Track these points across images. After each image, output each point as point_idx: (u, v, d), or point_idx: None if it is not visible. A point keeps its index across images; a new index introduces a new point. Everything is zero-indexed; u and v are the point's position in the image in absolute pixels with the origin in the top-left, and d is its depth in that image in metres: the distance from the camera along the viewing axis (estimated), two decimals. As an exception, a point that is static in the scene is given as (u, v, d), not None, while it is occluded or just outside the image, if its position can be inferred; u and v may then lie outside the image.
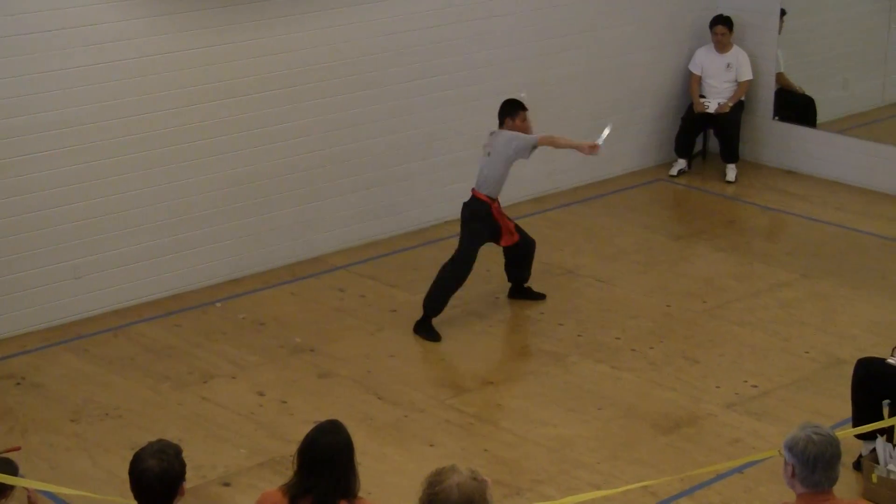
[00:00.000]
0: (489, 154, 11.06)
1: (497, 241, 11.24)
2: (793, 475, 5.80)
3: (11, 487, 7.08)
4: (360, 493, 6.14)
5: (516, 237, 11.26)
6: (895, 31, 15.41)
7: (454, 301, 11.59)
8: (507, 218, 11.29)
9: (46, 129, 10.79)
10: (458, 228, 11.60)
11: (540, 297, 11.67)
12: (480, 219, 11.08)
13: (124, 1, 10.98)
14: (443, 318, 11.31)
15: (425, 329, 10.99)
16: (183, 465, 5.77)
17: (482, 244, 11.18)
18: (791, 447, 5.80)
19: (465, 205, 11.18)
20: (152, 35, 11.18)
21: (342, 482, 6.02)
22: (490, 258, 12.51)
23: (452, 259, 11.13)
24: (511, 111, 11.19)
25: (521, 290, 11.72)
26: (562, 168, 14.14)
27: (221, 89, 11.66)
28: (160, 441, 5.81)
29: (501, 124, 11.18)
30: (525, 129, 11.13)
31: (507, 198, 13.53)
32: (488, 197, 11.05)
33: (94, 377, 10.37)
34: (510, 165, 11.06)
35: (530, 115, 11.27)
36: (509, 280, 11.72)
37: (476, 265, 12.30)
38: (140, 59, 11.15)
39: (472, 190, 11.15)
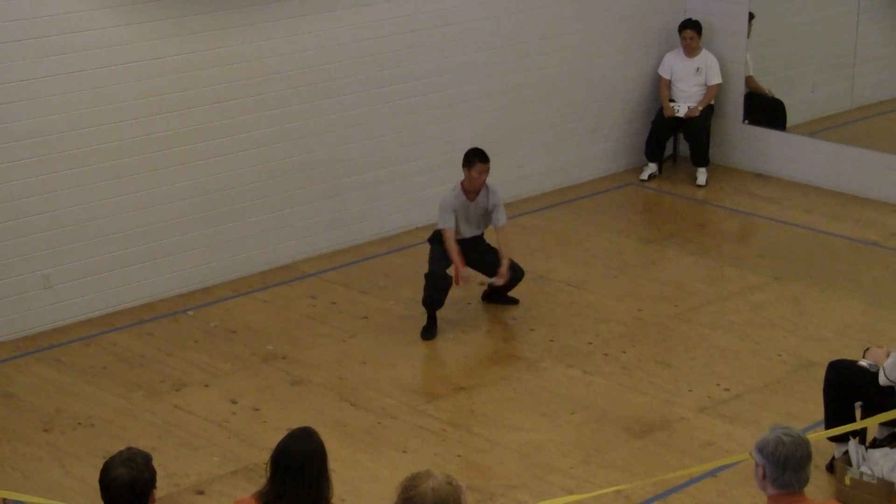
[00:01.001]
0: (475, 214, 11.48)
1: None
2: (763, 476, 5.82)
3: None
4: (334, 500, 6.13)
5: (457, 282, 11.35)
6: (863, 34, 15.48)
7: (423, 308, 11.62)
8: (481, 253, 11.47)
9: (14, 139, 10.75)
10: (428, 234, 11.61)
11: (513, 301, 11.66)
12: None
13: (88, 11, 10.95)
14: (414, 325, 11.31)
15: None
16: (153, 473, 5.75)
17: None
18: (761, 448, 5.81)
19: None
20: (118, 45, 11.14)
21: (315, 489, 6.01)
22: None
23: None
24: (467, 161, 11.30)
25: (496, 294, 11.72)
26: (532, 173, 14.15)
27: (190, 97, 11.64)
28: (129, 449, 5.79)
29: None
30: (478, 182, 11.19)
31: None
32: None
33: (65, 386, 10.33)
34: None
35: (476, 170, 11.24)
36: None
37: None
38: (107, 68, 11.11)
39: None
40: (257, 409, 9.98)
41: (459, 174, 13.60)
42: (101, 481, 5.69)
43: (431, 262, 11.25)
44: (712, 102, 14.85)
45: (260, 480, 6.29)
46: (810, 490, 5.91)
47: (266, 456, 6.20)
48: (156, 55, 11.36)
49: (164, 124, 11.52)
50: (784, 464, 5.73)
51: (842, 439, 8.92)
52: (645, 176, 14.91)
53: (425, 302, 11.18)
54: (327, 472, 6.07)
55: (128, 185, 11.43)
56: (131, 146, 11.38)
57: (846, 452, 8.86)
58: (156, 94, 11.43)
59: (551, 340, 11.03)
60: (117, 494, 5.65)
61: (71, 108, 10.98)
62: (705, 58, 14.75)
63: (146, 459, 5.75)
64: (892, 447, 8.90)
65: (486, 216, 11.35)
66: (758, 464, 5.86)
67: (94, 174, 11.22)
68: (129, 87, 11.26)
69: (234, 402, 10.09)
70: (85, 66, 10.99)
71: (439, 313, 11.34)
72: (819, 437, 8.72)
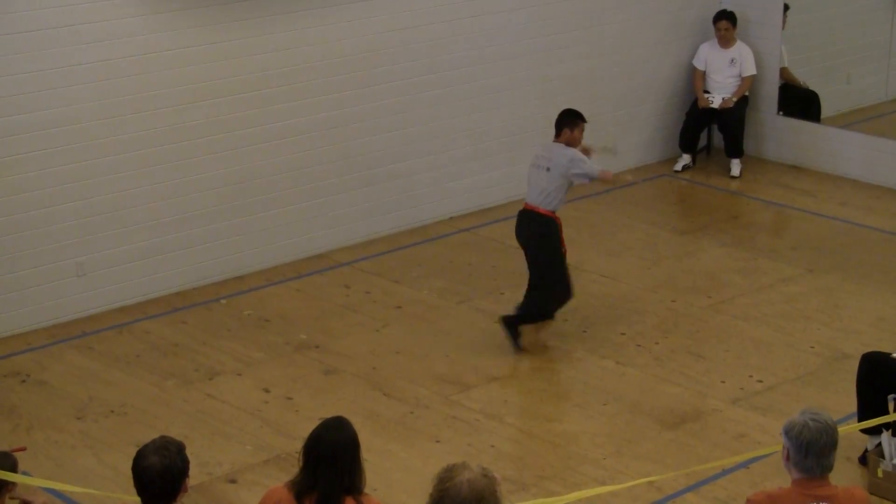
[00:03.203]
0: (548, 170, 10.51)
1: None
2: (787, 458, 5.84)
3: (11, 484, 7.07)
4: (366, 490, 6.14)
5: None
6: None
7: (459, 297, 11.61)
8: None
9: (47, 128, 10.79)
10: (461, 224, 11.58)
11: (517, 345, 10.76)
12: (557, 236, 10.59)
13: (122, 0, 11.00)
14: (447, 314, 11.32)
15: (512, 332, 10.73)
16: (186, 462, 5.77)
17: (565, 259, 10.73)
18: (787, 431, 5.85)
19: (530, 221, 10.64)
20: (151, 33, 11.18)
21: (347, 478, 6.01)
22: (496, 255, 12.53)
23: (541, 287, 10.69)
24: (570, 121, 10.68)
25: (513, 322, 10.81)
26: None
27: (223, 87, 11.66)
28: (162, 437, 5.81)
29: (558, 134, 10.69)
30: (579, 141, 10.67)
31: (511, 195, 13.61)
32: (552, 212, 10.58)
33: (98, 374, 10.37)
34: (568, 185, 10.64)
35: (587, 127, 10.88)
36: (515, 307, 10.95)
37: (481, 261, 12.33)
38: (140, 56, 11.15)
39: (531, 205, 10.63)
40: (290, 399, 10.00)
41: (492, 163, 13.65)
42: (133, 469, 5.72)
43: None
44: (747, 94, 14.80)
45: (292, 470, 6.30)
46: (843, 482, 5.89)
47: (299, 445, 6.21)
48: (188, 44, 11.39)
49: (196, 113, 11.55)
50: (807, 448, 5.75)
51: (874, 431, 8.89)
52: (679, 167, 14.87)
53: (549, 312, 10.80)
54: (360, 461, 6.07)
55: (161, 174, 11.47)
56: (164, 135, 11.41)
57: (879, 445, 8.83)
58: (189, 83, 11.46)
59: (584, 331, 11.02)
60: (150, 482, 5.67)
61: (104, 97, 11.02)
62: (740, 49, 14.70)
63: (179, 448, 5.77)
64: (925, 440, 8.87)
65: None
66: (784, 446, 5.89)
67: (127, 163, 11.26)
68: (162, 76, 11.30)
69: (266, 391, 10.11)
70: (117, 55, 11.03)
71: (472, 303, 11.34)
72: (852, 430, 8.70)
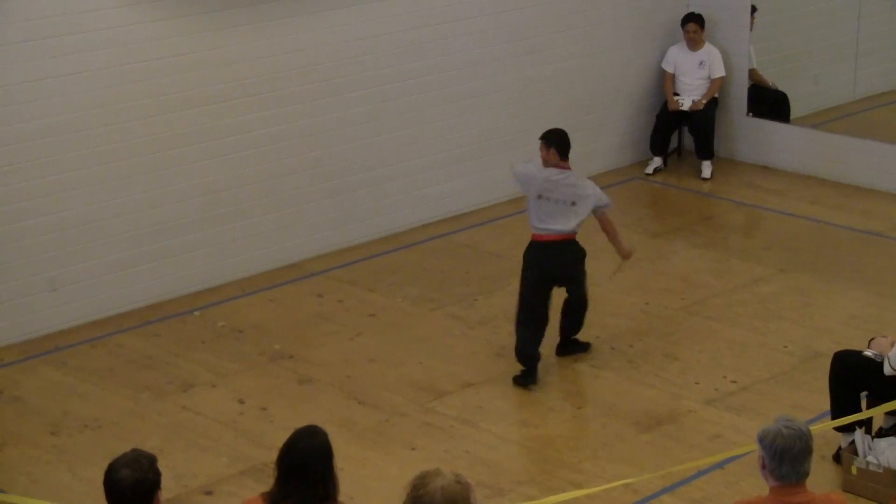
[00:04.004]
0: (574, 204, 10.26)
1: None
2: (763, 467, 5.85)
3: None
4: (342, 499, 6.14)
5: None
6: (865, 25, 15.48)
7: (433, 304, 11.62)
8: None
9: (19, 141, 10.76)
10: (434, 231, 11.58)
11: (584, 347, 10.81)
12: (580, 260, 10.46)
13: (91, 12, 10.95)
14: (421, 321, 11.32)
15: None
16: (158, 475, 5.76)
17: None
18: (762, 439, 5.85)
19: (565, 250, 10.33)
20: (121, 45, 11.15)
21: (320, 487, 6.01)
22: (469, 261, 12.54)
23: (577, 309, 10.64)
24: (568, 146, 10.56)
25: (567, 344, 10.80)
26: (537, 169, 14.14)
27: (194, 97, 11.65)
28: (134, 451, 5.80)
29: (565, 156, 10.48)
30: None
31: (484, 200, 13.65)
32: (573, 234, 10.36)
33: (72, 389, 10.34)
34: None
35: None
36: (560, 334, 10.78)
37: (455, 267, 12.35)
38: (110, 69, 11.13)
39: (557, 236, 10.27)
40: (265, 409, 9.99)
41: (465, 169, 13.66)
42: (105, 483, 5.71)
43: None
44: (716, 95, 14.85)
45: (268, 480, 6.30)
46: (817, 480, 5.95)
47: (274, 456, 6.20)
48: (158, 55, 11.37)
49: (168, 124, 11.54)
50: (781, 456, 5.75)
51: (848, 429, 8.93)
52: (650, 170, 14.91)
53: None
54: (333, 469, 6.07)
55: (133, 186, 11.45)
56: (136, 147, 11.39)
57: (852, 442, 8.87)
58: (159, 95, 11.44)
59: (558, 335, 11.03)
60: (122, 496, 5.66)
61: (75, 110, 11.00)
62: (708, 51, 14.75)
63: (151, 461, 5.76)
64: (898, 437, 8.92)
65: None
66: (759, 454, 5.89)
67: (99, 175, 11.24)
68: (133, 87, 11.28)
69: (241, 401, 10.10)
70: (88, 68, 11.01)
71: (446, 310, 11.36)
72: (825, 428, 8.74)
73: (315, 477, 6.00)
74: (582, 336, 10.83)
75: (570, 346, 10.74)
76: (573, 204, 10.27)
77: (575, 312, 10.66)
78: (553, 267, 10.34)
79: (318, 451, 6.04)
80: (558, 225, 10.27)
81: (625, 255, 10.81)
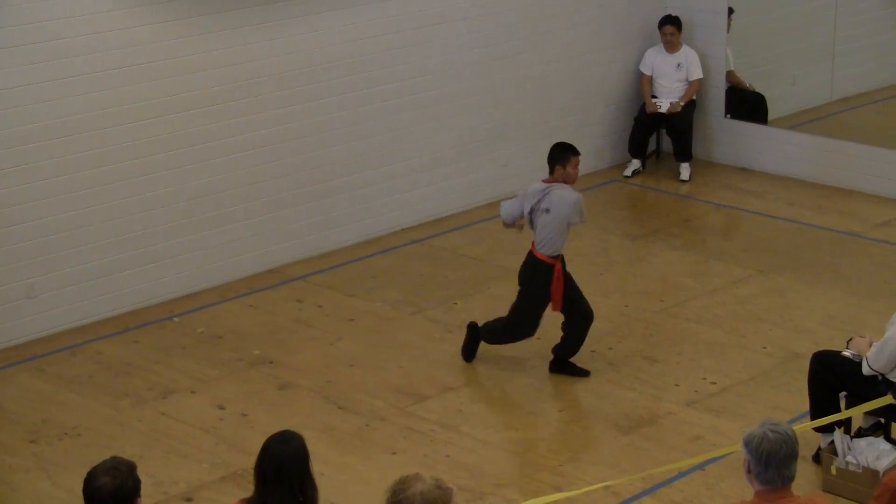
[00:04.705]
0: (547, 211, 10.17)
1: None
2: (748, 471, 5.84)
3: None
4: (322, 503, 6.13)
5: (557, 307, 10.43)
6: (841, 26, 15.52)
7: (413, 308, 11.62)
8: (567, 283, 10.44)
9: (-3, 149, 10.76)
10: (414, 235, 11.55)
11: (584, 373, 10.54)
12: (540, 284, 10.31)
13: (72, 18, 10.93)
14: (401, 326, 11.32)
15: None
16: (137, 482, 5.75)
17: (542, 309, 10.40)
18: (747, 443, 5.83)
19: (525, 265, 10.42)
20: (102, 51, 11.13)
21: (297, 491, 6.00)
22: (449, 266, 12.54)
23: (508, 319, 10.51)
24: (563, 157, 10.23)
25: (560, 365, 10.59)
26: (516, 172, 14.15)
27: (174, 102, 11.63)
28: (113, 458, 5.79)
29: (551, 171, 10.24)
30: (574, 176, 10.26)
31: (463, 204, 13.65)
32: (550, 257, 10.27)
33: (51, 397, 10.32)
34: (568, 227, 10.35)
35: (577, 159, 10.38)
36: (553, 351, 10.66)
37: (434, 272, 12.35)
38: (91, 75, 11.10)
39: (533, 249, 10.36)
40: (245, 415, 9.98)
41: (444, 173, 13.66)
42: (84, 491, 5.70)
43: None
44: (694, 98, 14.88)
45: (249, 486, 6.29)
46: (797, 480, 5.91)
47: (254, 461, 6.19)
48: (137, 61, 11.35)
49: (146, 130, 11.51)
50: (767, 460, 5.74)
51: (827, 430, 8.96)
52: (629, 172, 14.93)
53: (500, 340, 10.67)
54: (310, 473, 6.05)
55: (111, 193, 11.42)
56: (116, 153, 11.37)
57: (832, 443, 8.90)
58: (140, 100, 11.42)
59: (538, 338, 10.99)
60: (101, 503, 5.65)
61: (55, 115, 10.97)
62: (686, 53, 14.78)
63: (130, 468, 5.75)
64: (876, 436, 8.94)
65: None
66: (745, 458, 5.88)
67: (78, 181, 11.21)
68: (113, 93, 11.25)
69: (221, 407, 10.08)
70: (67, 74, 10.98)
71: (426, 314, 11.37)
72: (805, 428, 8.75)
73: (291, 481, 5.99)
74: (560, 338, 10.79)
75: (562, 370, 10.53)
76: (546, 212, 10.28)
77: (565, 330, 10.47)
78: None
79: (293, 455, 6.03)
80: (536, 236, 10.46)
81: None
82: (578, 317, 10.44)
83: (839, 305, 11.59)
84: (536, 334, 10.60)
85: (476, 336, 10.73)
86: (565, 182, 10.27)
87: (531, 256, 10.42)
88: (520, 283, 10.48)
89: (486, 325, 10.72)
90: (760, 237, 13.24)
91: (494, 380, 10.48)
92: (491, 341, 10.69)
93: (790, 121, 15.18)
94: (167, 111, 11.59)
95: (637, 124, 14.94)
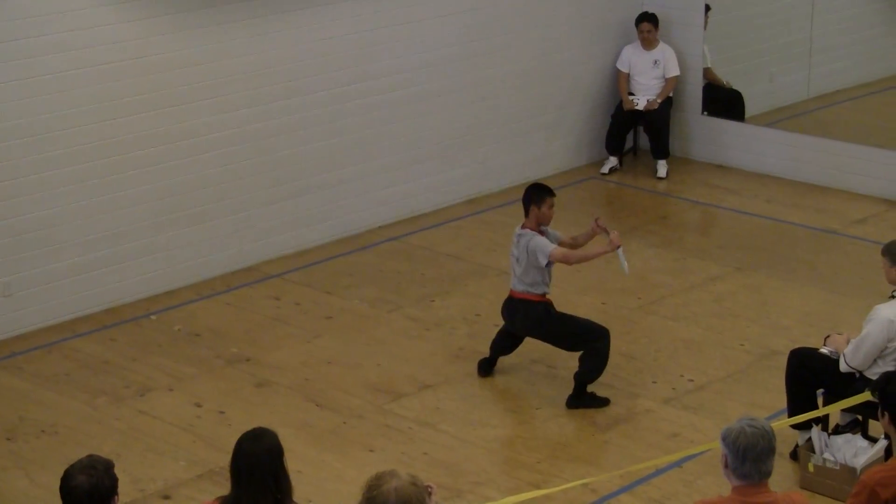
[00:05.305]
0: (518, 260, 10.07)
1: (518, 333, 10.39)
2: (725, 465, 5.86)
3: None
4: (299, 500, 6.12)
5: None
6: (818, 23, 15.56)
7: (390, 306, 11.61)
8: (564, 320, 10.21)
9: (-28, 147, 10.71)
10: (391, 232, 11.49)
11: (604, 402, 10.09)
12: (549, 315, 10.12)
13: (46, 16, 10.89)
14: (378, 323, 11.32)
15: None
16: (114, 480, 5.74)
17: (572, 315, 10.26)
18: (724, 437, 5.85)
19: (527, 313, 10.13)
20: (75, 49, 11.09)
21: (272, 488, 5.99)
22: (426, 263, 12.54)
23: (584, 348, 10.05)
24: (538, 198, 10.06)
25: (579, 397, 10.14)
26: (493, 169, 14.16)
27: (150, 100, 11.59)
28: (90, 457, 5.78)
29: (526, 213, 10.10)
30: (549, 216, 10.09)
31: (440, 202, 13.65)
32: (542, 296, 10.13)
33: (28, 394, 10.28)
34: (549, 268, 10.13)
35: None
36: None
37: (411, 269, 12.34)
38: (63, 73, 11.06)
39: (517, 294, 10.14)
40: (222, 413, 9.96)
41: (421, 171, 13.65)
42: (61, 489, 5.68)
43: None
44: (671, 95, 14.90)
45: (226, 484, 6.27)
46: (774, 477, 5.92)
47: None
48: (111, 59, 11.31)
49: (122, 128, 11.48)
50: (744, 454, 5.75)
51: (805, 427, 8.98)
52: (606, 169, 14.94)
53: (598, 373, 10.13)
54: (284, 469, 6.04)
55: (88, 191, 11.38)
56: (89, 151, 11.33)
57: (809, 439, 8.92)
58: (115, 98, 11.38)
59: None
60: (78, 502, 5.64)
61: (29, 114, 10.93)
62: (663, 50, 14.80)
63: (107, 466, 5.74)
64: (854, 433, 8.96)
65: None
66: (722, 452, 5.89)
67: (54, 180, 11.17)
68: (86, 91, 11.21)
69: (198, 405, 10.06)
70: (39, 72, 10.93)
71: (403, 311, 11.34)
72: (782, 425, 8.77)
73: (265, 478, 5.98)
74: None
75: (580, 403, 10.06)
76: (517, 260, 10.16)
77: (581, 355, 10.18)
78: (511, 324, 10.39)
79: (266, 452, 6.03)
80: (517, 281, 10.24)
81: (613, 245, 10.27)
82: (591, 342, 10.10)
83: (816, 302, 11.62)
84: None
85: (586, 400, 10.12)
86: (540, 222, 10.12)
87: (522, 302, 10.13)
88: (534, 334, 10.22)
89: (577, 374, 10.10)
90: (737, 234, 13.27)
91: (472, 377, 10.47)
92: (596, 376, 10.10)
93: (767, 118, 15.22)
94: (141, 109, 11.55)
95: (614, 121, 14.95)
